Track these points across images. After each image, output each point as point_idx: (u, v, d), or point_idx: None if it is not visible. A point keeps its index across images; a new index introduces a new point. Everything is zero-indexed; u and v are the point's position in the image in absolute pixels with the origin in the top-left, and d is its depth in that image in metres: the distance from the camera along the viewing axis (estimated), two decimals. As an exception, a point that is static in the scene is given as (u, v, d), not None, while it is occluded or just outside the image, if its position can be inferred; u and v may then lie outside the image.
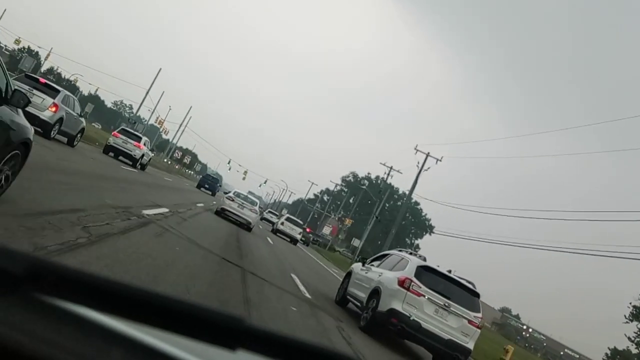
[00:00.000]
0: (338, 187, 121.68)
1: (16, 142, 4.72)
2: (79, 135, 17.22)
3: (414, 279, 8.27)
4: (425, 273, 8.52)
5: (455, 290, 8.53)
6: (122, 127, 25.72)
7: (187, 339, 0.45)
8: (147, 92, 41.61)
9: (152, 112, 53.86)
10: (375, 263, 10.25)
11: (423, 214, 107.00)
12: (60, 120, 15.26)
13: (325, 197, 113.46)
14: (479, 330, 8.59)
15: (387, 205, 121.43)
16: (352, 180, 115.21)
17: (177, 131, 65.17)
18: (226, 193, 22.26)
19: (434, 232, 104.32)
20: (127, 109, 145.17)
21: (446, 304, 8.26)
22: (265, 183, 73.24)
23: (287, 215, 34.04)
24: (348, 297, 10.51)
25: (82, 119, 17.46)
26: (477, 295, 8.82)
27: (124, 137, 21.59)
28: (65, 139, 16.97)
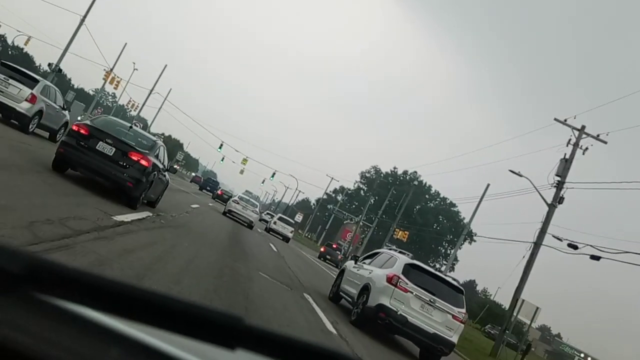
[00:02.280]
0: (356, 185, 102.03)
1: (165, 185, 13.42)
2: (62, 129, 17.39)
3: (402, 276, 10.14)
4: (413, 270, 10.45)
5: (441, 287, 10.45)
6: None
7: (186, 338, 0.52)
8: (83, 20, 33.55)
9: (111, 70, 47.30)
10: (367, 261, 12.29)
11: (460, 216, 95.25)
12: (40, 113, 15.26)
13: (340, 197, 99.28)
14: (462, 325, 10.46)
15: (418, 207, 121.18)
16: (373, 176, 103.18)
17: (146, 99, 55.51)
18: (231, 197, 32.39)
19: (474, 240, 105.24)
20: (109, 97, 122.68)
21: (431, 300, 10.11)
22: (272, 177, 64.09)
23: (280, 215, 43.14)
24: (341, 293, 12.56)
25: (66, 112, 17.87)
26: (461, 292, 10.73)
27: None
28: (47, 134, 17.23)
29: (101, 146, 9.92)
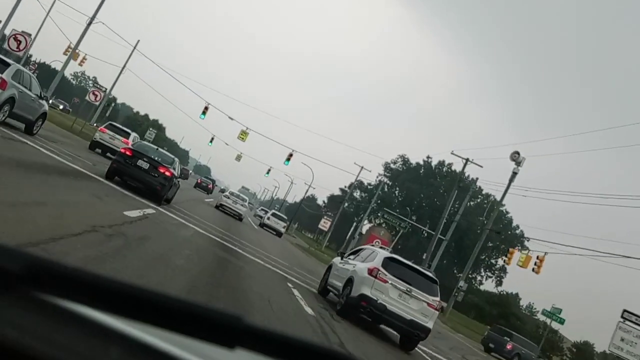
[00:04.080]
0: (379, 178, 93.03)
1: (178, 187, 19.09)
2: (39, 121, 18.06)
3: (381, 268, 12.40)
4: (391, 263, 12.73)
5: (417, 278, 12.65)
6: (110, 122, 29.81)
7: (186, 338, 0.60)
8: None
9: None
10: (352, 256, 14.78)
11: (507, 216, 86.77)
12: (11, 100, 15.42)
13: (358, 194, 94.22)
14: (436, 312, 12.49)
15: (456, 205, 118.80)
16: (400, 168, 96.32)
17: (84, 32, 38.16)
18: (223, 191, 39.45)
19: (527, 248, 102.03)
20: (90, 82, 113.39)
21: (408, 289, 12.29)
22: (288, 162, 52.96)
23: (273, 211, 52.59)
24: (328, 287, 14.97)
25: (44, 102, 18.40)
26: (435, 282, 12.80)
27: (111, 133, 26.45)
28: (22, 125, 17.39)
29: (140, 163, 16.29)
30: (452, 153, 41.71)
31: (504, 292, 53.63)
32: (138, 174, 16.35)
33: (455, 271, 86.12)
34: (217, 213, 29.14)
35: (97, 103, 36.50)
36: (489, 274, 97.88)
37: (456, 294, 41.62)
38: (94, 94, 37.52)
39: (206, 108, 46.79)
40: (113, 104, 63.18)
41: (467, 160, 41.98)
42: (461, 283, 42.16)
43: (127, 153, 16.60)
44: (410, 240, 75.47)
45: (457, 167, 43.46)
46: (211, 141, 58.41)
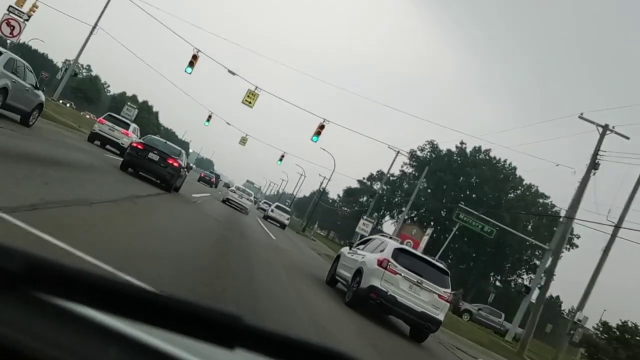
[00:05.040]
0: (403, 168, 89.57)
1: (184, 178, 22.58)
2: (35, 112, 18.21)
3: (391, 260, 13.06)
4: (401, 254, 13.40)
5: (427, 269, 13.30)
6: (109, 113, 30.00)
7: (186, 338, 0.64)
8: None
9: None
10: (361, 247, 15.56)
11: (553, 210, 76.67)
12: (4, 90, 15.44)
13: (378, 186, 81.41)
14: (448, 304, 13.25)
15: (494, 195, 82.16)
16: (428, 155, 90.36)
17: None
18: (227, 186, 45.35)
19: (576, 245, 71.42)
20: (82, 70, 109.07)
21: (419, 281, 12.96)
22: (317, 138, 40.77)
23: (277, 203, 57.47)
24: (337, 277, 15.81)
25: (40, 93, 18.56)
26: (446, 273, 13.51)
27: (110, 124, 27.02)
28: (17, 117, 17.51)
29: (151, 155, 18.95)
30: (580, 117, 32.52)
31: (629, 323, 40.77)
32: (149, 165, 19.31)
33: (492, 275, 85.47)
34: (210, 222, 20.78)
35: (16, 39, 28.11)
36: (532, 276, 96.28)
37: (572, 331, 30.18)
38: (8, 24, 26.27)
39: (194, 57, 36.25)
40: (74, 71, 57.16)
41: (606, 127, 31.19)
42: (579, 315, 29.50)
43: (139, 147, 19.58)
44: (437, 239, 74.65)
45: (592, 137, 34.01)
46: (208, 120, 52.81)
